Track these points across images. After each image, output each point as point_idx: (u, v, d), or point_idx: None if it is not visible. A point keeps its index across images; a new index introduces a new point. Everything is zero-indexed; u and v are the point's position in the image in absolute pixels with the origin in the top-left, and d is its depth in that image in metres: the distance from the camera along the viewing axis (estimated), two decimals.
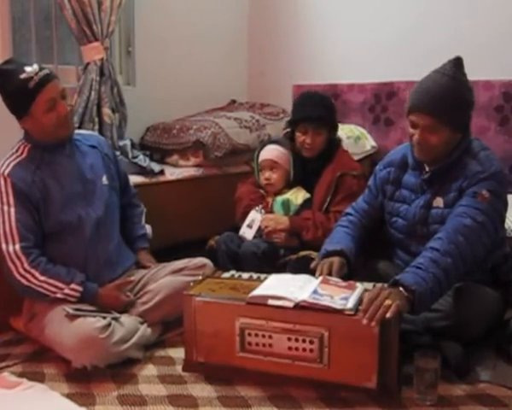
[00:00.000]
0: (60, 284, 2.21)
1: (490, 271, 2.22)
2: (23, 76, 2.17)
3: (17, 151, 2.29)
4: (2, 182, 2.21)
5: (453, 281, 1.99)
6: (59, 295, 2.20)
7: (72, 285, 2.22)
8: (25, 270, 2.18)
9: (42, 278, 2.19)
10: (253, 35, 4.19)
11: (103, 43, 3.16)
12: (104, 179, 2.46)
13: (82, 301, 2.23)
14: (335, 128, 2.80)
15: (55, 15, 3.17)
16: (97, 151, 2.50)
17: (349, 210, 2.45)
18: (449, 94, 2.03)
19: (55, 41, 3.25)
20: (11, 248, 2.18)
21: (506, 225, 2.35)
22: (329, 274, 2.15)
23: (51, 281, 2.20)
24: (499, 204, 2.08)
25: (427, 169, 2.20)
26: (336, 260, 2.21)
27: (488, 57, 3.05)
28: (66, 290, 2.21)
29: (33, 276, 2.18)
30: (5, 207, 2.20)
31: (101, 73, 3.13)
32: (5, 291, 2.30)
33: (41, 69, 2.21)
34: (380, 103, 3.46)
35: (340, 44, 3.72)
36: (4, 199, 2.20)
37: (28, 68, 2.19)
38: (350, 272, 2.22)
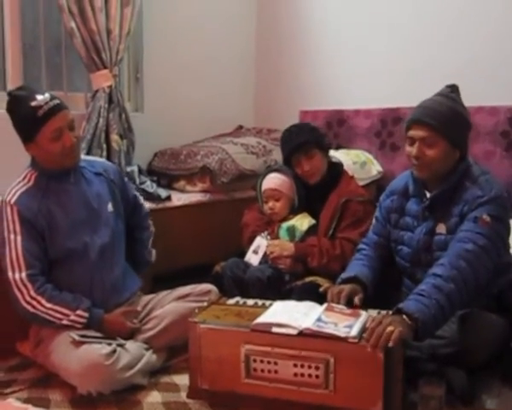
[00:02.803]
0: (66, 311, 2.22)
1: (495, 297, 2.21)
2: (33, 104, 2.20)
3: (24, 179, 2.31)
4: (9, 210, 2.23)
5: (456, 307, 1.98)
6: (65, 322, 2.21)
7: (78, 311, 2.23)
8: (31, 297, 2.19)
9: (48, 305, 2.20)
10: (260, 61, 4.24)
11: (112, 71, 3.20)
12: (110, 207, 2.48)
13: (88, 328, 2.24)
14: (325, 148, 2.80)
15: (65, 43, 3.22)
16: (103, 178, 2.52)
17: (361, 245, 2.45)
18: (445, 108, 2.10)
19: (64, 68, 3.30)
20: (17, 275, 2.20)
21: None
22: (338, 300, 2.16)
23: (57, 308, 2.21)
24: (501, 228, 2.09)
25: (427, 196, 2.21)
26: (347, 286, 2.22)
27: (493, 83, 3.07)
28: (73, 317, 2.21)
29: (40, 303, 2.19)
30: (12, 236, 2.22)
31: (110, 100, 3.17)
32: (12, 317, 2.30)
33: (52, 99, 2.25)
34: (386, 129, 3.47)
35: (346, 70, 3.75)
36: (11, 227, 2.22)
37: (39, 97, 2.22)
38: (367, 298, 2.22)
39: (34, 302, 2.19)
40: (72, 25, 3.06)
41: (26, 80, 3.18)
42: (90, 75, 3.16)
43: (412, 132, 2.13)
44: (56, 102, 2.27)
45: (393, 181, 2.44)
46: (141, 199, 2.76)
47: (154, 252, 2.72)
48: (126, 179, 2.79)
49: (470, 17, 3.24)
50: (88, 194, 2.42)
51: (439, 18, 3.33)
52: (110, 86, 3.19)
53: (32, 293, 2.20)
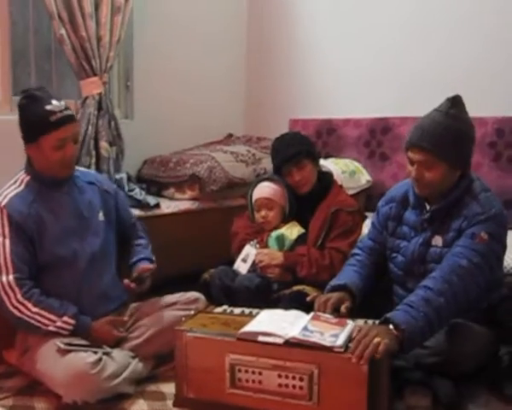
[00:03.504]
0: (52, 317, 2.21)
1: (485, 310, 2.20)
2: (48, 107, 2.23)
3: (15, 183, 2.32)
4: (0, 213, 2.24)
5: (444, 321, 1.98)
6: (51, 328, 2.20)
7: (65, 318, 2.22)
8: (18, 301, 2.19)
9: (34, 309, 2.20)
10: (250, 69, 4.26)
11: (102, 78, 3.21)
12: (101, 215, 2.49)
13: (74, 335, 2.24)
14: (316, 157, 2.81)
15: (55, 50, 3.23)
16: (95, 187, 2.53)
17: (355, 250, 2.46)
18: (443, 130, 2.05)
19: (54, 75, 3.32)
20: (5, 278, 2.20)
21: (506, 263, 2.34)
22: (325, 308, 2.16)
23: (44, 313, 2.21)
24: (497, 247, 2.08)
25: (427, 208, 2.20)
26: (335, 294, 2.22)
27: (481, 94, 3.08)
28: (59, 323, 2.21)
29: (26, 307, 2.19)
30: (0, 239, 2.22)
31: (100, 107, 3.18)
32: None
33: (66, 108, 2.29)
34: (375, 138, 3.49)
35: (335, 80, 3.77)
36: (0, 230, 2.23)
37: (55, 102, 2.26)
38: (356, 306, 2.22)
39: (21, 307, 2.19)
40: (62, 32, 3.06)
41: (15, 87, 3.18)
42: (80, 82, 3.17)
43: (411, 155, 2.12)
44: (70, 112, 2.32)
45: (392, 188, 2.44)
46: (139, 227, 2.73)
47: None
48: (123, 198, 2.79)
49: (459, 30, 3.27)
50: (79, 202, 2.43)
51: (428, 29, 3.36)
52: (100, 93, 3.20)
53: (19, 297, 2.20)
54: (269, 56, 4.15)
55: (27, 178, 2.34)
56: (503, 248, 2.14)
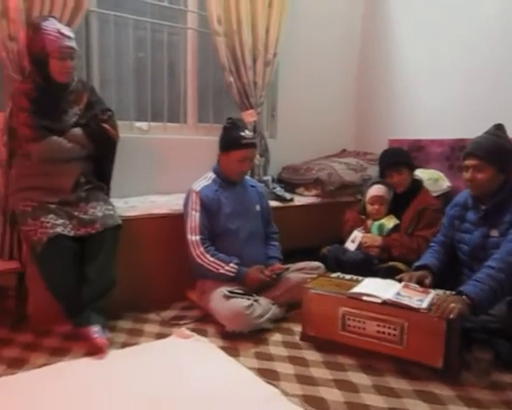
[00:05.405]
0: (222, 264, 2.32)
1: None
2: (242, 133, 2.41)
3: (205, 178, 2.50)
4: (194, 195, 2.40)
5: (506, 292, 1.90)
6: (221, 271, 2.30)
7: (231, 265, 2.32)
8: (200, 252, 2.33)
9: (211, 259, 2.32)
10: (359, 99, 4.15)
11: (256, 110, 3.25)
12: (257, 207, 2.59)
13: (236, 279, 2.31)
14: (412, 168, 2.75)
15: (225, 90, 3.30)
16: (254, 189, 2.64)
17: (431, 244, 2.40)
18: (491, 143, 2.07)
19: (224, 108, 3.40)
20: (193, 238, 2.35)
21: None
22: (410, 281, 2.14)
23: (217, 261, 2.32)
24: None
25: (482, 208, 2.14)
26: (418, 272, 2.20)
27: None
28: (227, 268, 2.31)
29: (205, 257, 2.33)
30: (193, 212, 2.38)
31: (254, 130, 3.23)
32: (186, 273, 2.46)
33: (252, 138, 2.46)
34: (454, 154, 3.30)
35: (425, 109, 3.59)
36: (193, 206, 2.39)
37: (247, 131, 2.45)
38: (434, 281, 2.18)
39: (202, 256, 2.32)
40: (231, 79, 3.14)
41: (199, 115, 3.34)
42: (242, 113, 3.23)
43: (467, 162, 2.11)
44: (254, 141, 2.48)
45: (456, 197, 2.37)
46: (275, 229, 2.73)
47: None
48: (268, 201, 2.80)
49: None
50: (244, 196, 2.55)
51: (506, 69, 3.11)
52: (255, 121, 3.25)
53: (202, 249, 2.33)
54: (373, 89, 4.03)
55: (214, 176, 2.50)
56: None
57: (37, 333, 2.19)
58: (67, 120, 2.26)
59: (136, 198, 2.86)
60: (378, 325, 1.93)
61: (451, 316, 1.77)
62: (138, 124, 3.09)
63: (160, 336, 2.20)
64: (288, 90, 3.69)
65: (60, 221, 2.09)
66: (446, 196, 3.22)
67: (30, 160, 2.18)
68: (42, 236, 2.02)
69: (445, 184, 3.29)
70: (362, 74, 4.15)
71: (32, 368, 1.88)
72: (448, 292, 1.98)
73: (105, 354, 1.98)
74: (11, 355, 1.99)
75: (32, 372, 1.84)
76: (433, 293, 1.99)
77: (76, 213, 2.17)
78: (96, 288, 2.13)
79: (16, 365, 1.91)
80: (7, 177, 2.33)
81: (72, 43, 2.19)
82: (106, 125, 2.33)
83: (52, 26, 2.15)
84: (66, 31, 2.19)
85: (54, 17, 2.26)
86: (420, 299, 1.91)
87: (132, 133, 3.01)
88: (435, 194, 3.04)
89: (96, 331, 2.04)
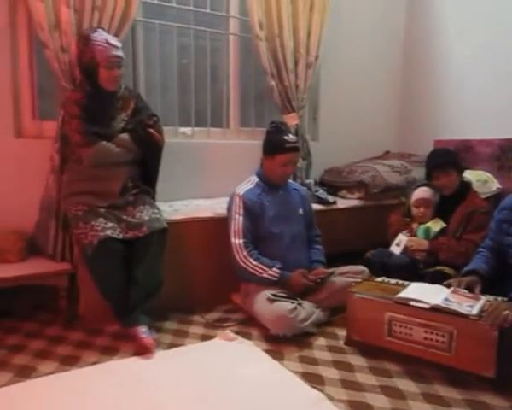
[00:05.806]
0: (265, 268, 2.32)
1: None
2: (286, 137, 2.42)
3: (248, 182, 2.51)
4: (238, 199, 2.42)
5: None
6: (264, 275, 2.31)
7: (274, 269, 2.32)
8: (244, 256, 2.34)
9: (254, 263, 2.33)
10: (403, 100, 4.08)
11: (298, 113, 3.26)
12: (300, 211, 2.58)
13: (279, 283, 2.30)
14: (461, 169, 2.66)
15: (267, 94, 3.30)
16: (297, 192, 2.64)
17: (480, 249, 2.31)
18: None
19: (266, 111, 3.42)
20: (237, 241, 2.36)
21: None
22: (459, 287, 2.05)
23: (260, 265, 2.32)
24: None
25: None
26: (467, 278, 2.11)
27: None
28: (270, 272, 2.31)
29: (249, 261, 2.33)
30: (237, 215, 2.40)
31: (296, 133, 3.20)
32: (229, 276, 2.46)
33: (296, 142, 2.46)
34: (504, 154, 3.18)
35: (472, 108, 3.49)
36: (237, 209, 2.40)
37: (291, 135, 2.45)
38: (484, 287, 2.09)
39: (245, 260, 2.33)
40: (273, 83, 3.16)
41: (241, 119, 3.37)
42: (284, 116, 3.23)
43: None
44: (297, 145, 2.48)
45: (504, 200, 2.28)
46: (317, 232, 2.71)
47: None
48: (310, 204, 2.77)
49: None
50: (288, 199, 2.54)
51: None
52: (297, 124, 3.25)
53: (245, 253, 2.34)
54: (417, 89, 3.95)
55: (257, 179, 2.51)
56: None
57: (88, 332, 2.27)
58: (115, 125, 2.33)
59: (180, 202, 2.92)
60: (425, 332, 1.88)
61: (505, 325, 1.69)
62: (182, 129, 3.16)
63: (205, 337, 2.23)
64: (329, 92, 3.67)
65: (109, 224, 2.16)
66: (496, 199, 3.11)
67: (81, 165, 2.27)
68: (92, 238, 2.09)
69: (495, 185, 3.18)
70: (406, 74, 4.08)
71: (85, 365, 1.96)
72: (500, 298, 1.91)
73: (152, 355, 2.03)
74: (64, 353, 2.08)
75: (84, 370, 1.92)
76: (483, 299, 1.92)
77: (124, 217, 2.23)
78: (144, 289, 2.19)
79: (69, 362, 1.99)
80: (59, 182, 2.43)
81: (120, 53, 2.27)
82: (152, 130, 2.39)
83: (100, 36, 2.23)
84: (114, 41, 2.27)
85: (102, 28, 2.35)
86: (470, 305, 1.85)
87: (177, 138, 3.08)
88: (484, 196, 2.94)
89: (143, 332, 2.09)
